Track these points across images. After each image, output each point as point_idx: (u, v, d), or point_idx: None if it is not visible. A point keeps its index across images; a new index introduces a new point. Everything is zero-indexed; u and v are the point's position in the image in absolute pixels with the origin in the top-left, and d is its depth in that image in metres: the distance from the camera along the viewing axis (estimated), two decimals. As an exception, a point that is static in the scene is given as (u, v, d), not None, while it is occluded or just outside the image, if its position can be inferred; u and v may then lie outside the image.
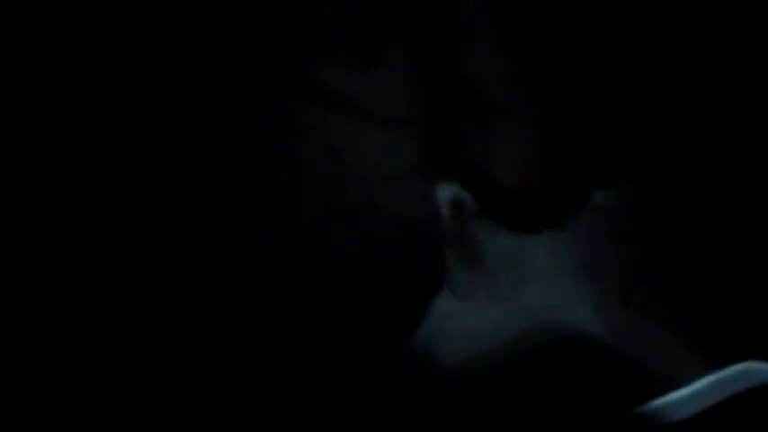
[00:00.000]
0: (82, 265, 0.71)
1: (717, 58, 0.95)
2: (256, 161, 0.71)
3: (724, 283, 1.05)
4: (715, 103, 0.99)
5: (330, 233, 0.72)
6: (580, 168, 0.93)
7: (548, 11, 0.86)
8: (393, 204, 0.75)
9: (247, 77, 0.72)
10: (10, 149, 0.71)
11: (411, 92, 0.79)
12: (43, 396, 0.71)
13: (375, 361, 0.78)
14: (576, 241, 1.16)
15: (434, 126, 0.82)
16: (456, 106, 0.82)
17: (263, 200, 0.71)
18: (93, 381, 0.71)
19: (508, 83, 0.83)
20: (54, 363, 0.71)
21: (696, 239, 1.10)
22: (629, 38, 0.90)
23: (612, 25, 0.90)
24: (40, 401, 0.71)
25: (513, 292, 1.07)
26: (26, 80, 0.72)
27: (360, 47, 0.74)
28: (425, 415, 0.96)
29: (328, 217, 0.73)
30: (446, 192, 1.13)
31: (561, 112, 0.88)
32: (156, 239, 0.71)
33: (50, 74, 0.72)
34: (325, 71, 0.73)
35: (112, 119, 0.72)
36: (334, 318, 0.74)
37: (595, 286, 1.11)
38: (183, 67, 0.71)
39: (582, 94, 0.89)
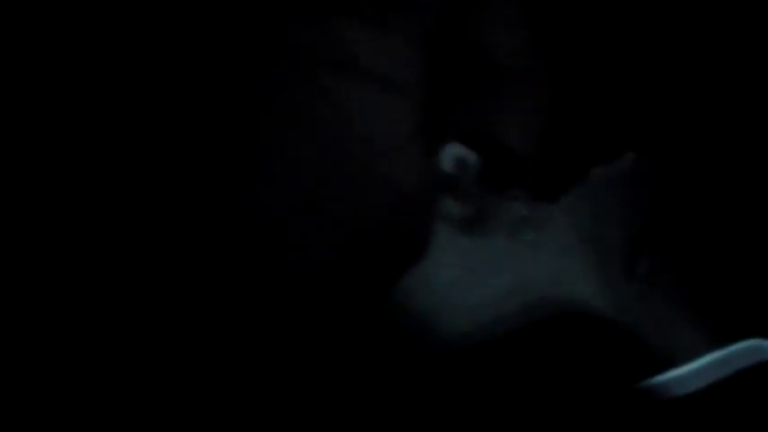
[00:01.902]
0: (89, 224, 0.71)
1: (720, 32, 0.94)
2: (269, 113, 0.71)
3: (728, 259, 1.05)
4: (721, 81, 0.98)
5: (333, 194, 0.72)
6: (587, 138, 0.92)
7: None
8: (393, 173, 0.74)
9: (265, 33, 0.71)
10: (10, 149, 0.70)
11: (423, 58, 0.78)
12: (43, 396, 0.71)
13: (369, 324, 0.78)
14: (580, 215, 1.15)
15: (444, 92, 0.81)
16: (469, 73, 0.81)
17: (272, 152, 0.71)
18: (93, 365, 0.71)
19: (522, 52, 0.82)
20: (54, 360, 0.71)
21: (700, 214, 1.09)
22: (640, 17, 0.90)
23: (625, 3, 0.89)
24: (41, 401, 0.71)
25: (516, 264, 1.07)
26: (26, 79, 0.71)
27: (376, 11, 0.73)
28: (423, 382, 0.96)
29: (332, 178, 0.72)
30: (452, 151, 1.12)
31: (572, 82, 0.87)
32: (162, 188, 0.70)
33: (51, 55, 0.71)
34: (341, 33, 0.72)
35: (123, 69, 0.71)
36: (332, 276, 0.74)
37: (599, 260, 1.10)
38: (200, 22, 0.70)
39: (594, 65, 0.89)
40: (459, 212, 1.14)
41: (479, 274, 1.04)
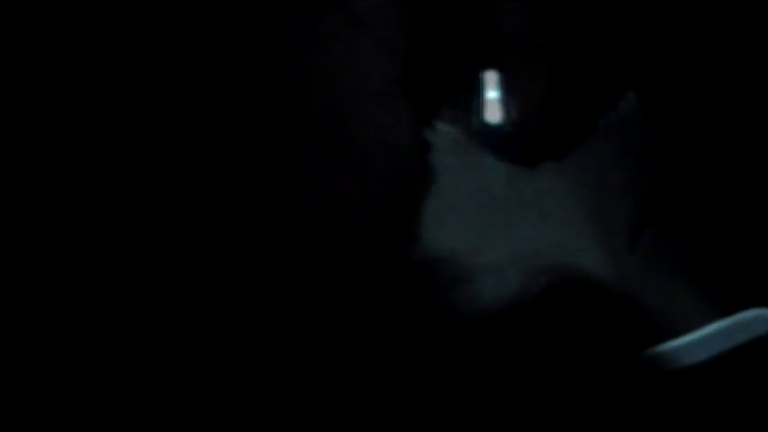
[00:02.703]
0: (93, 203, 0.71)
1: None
2: (274, 48, 0.72)
3: (732, 230, 1.05)
4: (731, 49, 0.98)
5: (323, 129, 0.73)
6: (591, 108, 0.92)
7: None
8: (375, 116, 0.75)
9: None
10: (9, 149, 0.70)
11: (420, 23, 0.78)
12: (43, 396, 0.71)
13: (368, 292, 0.79)
14: (585, 186, 1.15)
15: (441, 55, 0.81)
16: (470, 39, 0.81)
17: (267, 85, 0.71)
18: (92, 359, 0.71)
19: (527, 19, 0.82)
20: (54, 359, 0.71)
21: (703, 185, 1.09)
22: None
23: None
24: (41, 401, 0.71)
25: (520, 233, 1.06)
26: (26, 80, 0.71)
27: None
28: (426, 351, 0.96)
29: (319, 116, 0.73)
30: (450, 125, 1.11)
31: (577, 49, 0.87)
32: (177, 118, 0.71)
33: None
34: None
35: (131, 35, 0.71)
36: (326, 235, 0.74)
37: (603, 230, 1.10)
38: None
39: (599, 31, 0.88)
40: (460, 181, 1.14)
41: (482, 241, 1.04)
